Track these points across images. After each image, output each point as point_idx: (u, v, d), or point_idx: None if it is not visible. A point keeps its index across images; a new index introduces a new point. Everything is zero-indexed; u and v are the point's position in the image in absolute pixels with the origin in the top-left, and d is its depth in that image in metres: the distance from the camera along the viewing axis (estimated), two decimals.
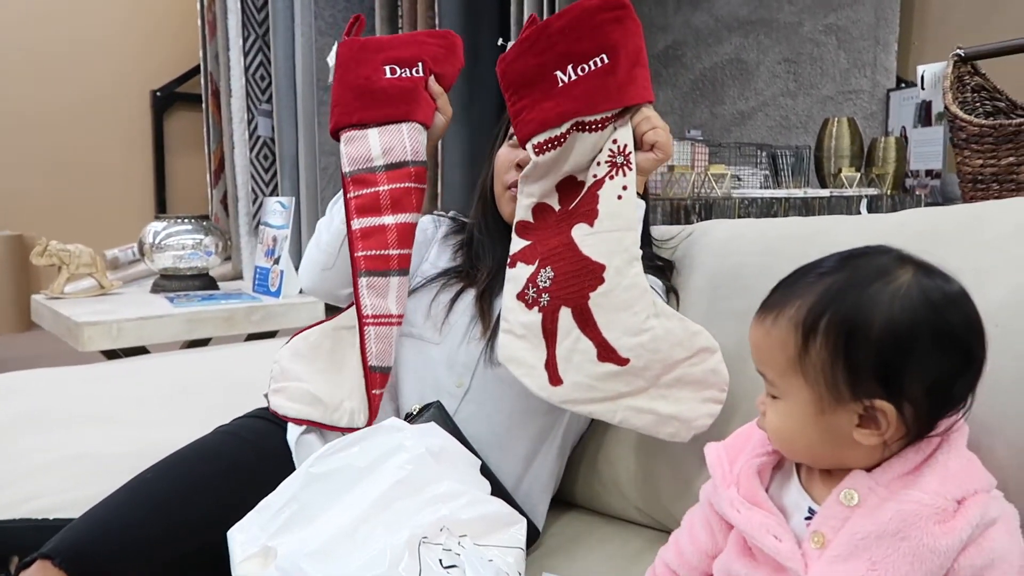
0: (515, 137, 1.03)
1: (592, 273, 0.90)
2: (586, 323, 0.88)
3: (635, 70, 0.95)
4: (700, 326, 0.90)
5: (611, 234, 0.91)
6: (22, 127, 4.59)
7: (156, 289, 2.34)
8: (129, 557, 0.80)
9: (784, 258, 0.97)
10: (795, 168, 2.96)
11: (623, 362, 0.87)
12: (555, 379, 0.89)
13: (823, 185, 2.86)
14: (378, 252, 1.00)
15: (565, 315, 0.90)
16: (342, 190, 1.05)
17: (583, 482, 1.07)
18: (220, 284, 2.51)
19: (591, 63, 0.93)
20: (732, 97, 3.86)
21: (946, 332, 0.59)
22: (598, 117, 0.93)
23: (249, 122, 4.17)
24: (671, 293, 1.05)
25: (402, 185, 1.03)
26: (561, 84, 0.94)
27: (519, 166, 1.02)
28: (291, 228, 2.31)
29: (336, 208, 1.11)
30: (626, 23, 0.94)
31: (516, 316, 0.93)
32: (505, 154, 1.08)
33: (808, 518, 0.65)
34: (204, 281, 2.37)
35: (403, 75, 1.07)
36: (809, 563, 0.61)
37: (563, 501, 1.08)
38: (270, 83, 4.07)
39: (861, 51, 3.48)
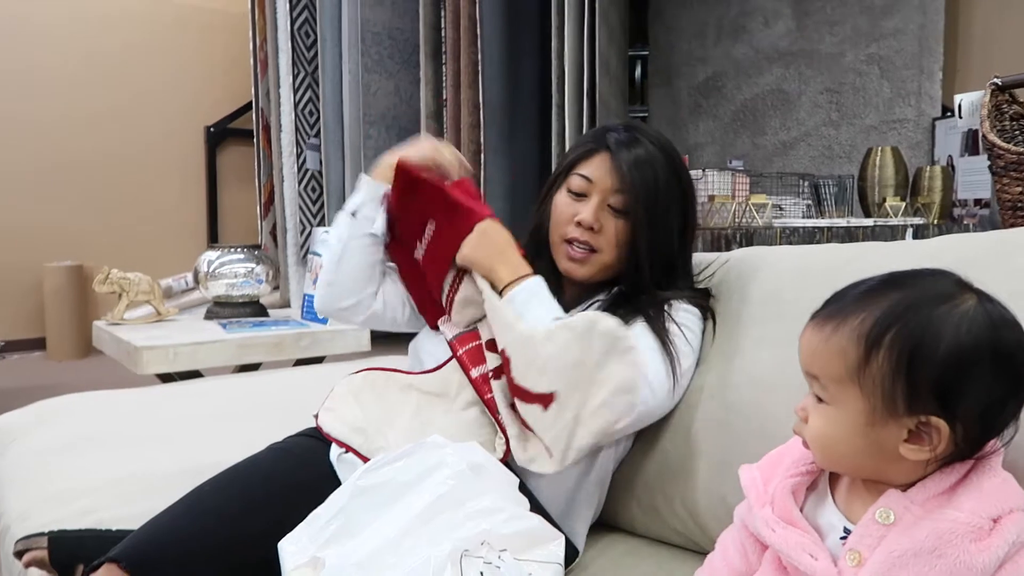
0: (574, 185, 1.07)
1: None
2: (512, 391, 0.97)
3: (453, 216, 1.07)
4: (585, 318, 0.94)
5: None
6: (84, 163, 4.80)
7: (209, 316, 2.43)
8: (188, 563, 0.84)
9: (821, 286, 0.98)
10: (838, 198, 2.95)
11: (550, 397, 0.92)
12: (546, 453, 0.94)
13: (867, 215, 2.84)
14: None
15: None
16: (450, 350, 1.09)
17: (622, 506, 1.08)
18: (270, 312, 2.59)
19: (427, 234, 1.10)
20: (774, 128, 3.87)
21: (1005, 357, 0.60)
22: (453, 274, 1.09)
23: (298, 156, 4.30)
24: (708, 319, 1.07)
25: None
26: (420, 259, 1.12)
27: (579, 224, 1.04)
28: None
29: (333, 229, 1.16)
30: (419, 190, 1.09)
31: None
32: (565, 205, 1.07)
33: (843, 537, 0.65)
34: (255, 308, 2.45)
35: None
36: None
37: (603, 524, 1.09)
38: (318, 118, 4.20)
39: (905, 80, 3.46)
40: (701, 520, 0.98)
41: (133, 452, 1.39)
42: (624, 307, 1.04)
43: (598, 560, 1.01)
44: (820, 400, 0.66)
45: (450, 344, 1.07)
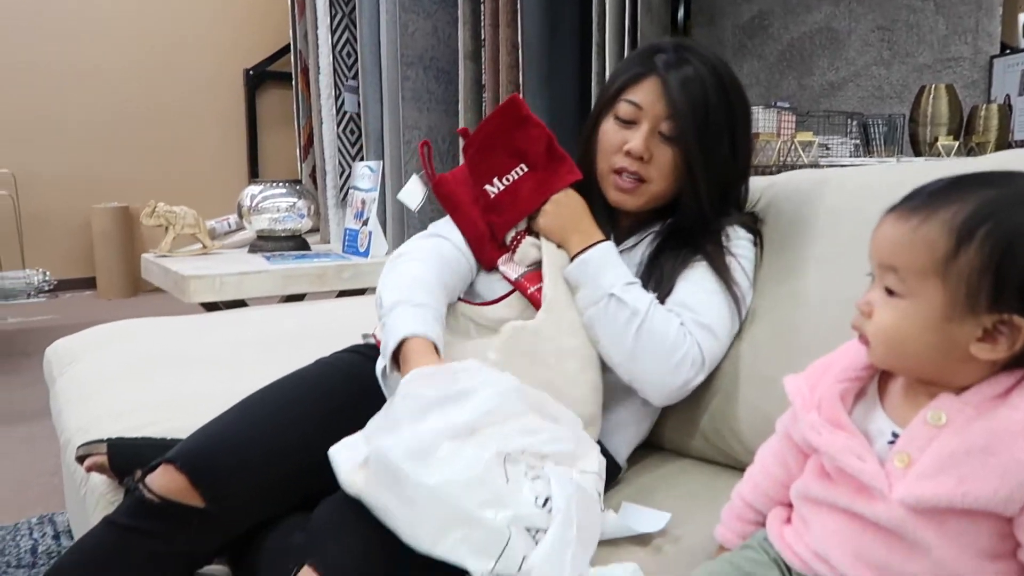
0: (622, 112, 1.03)
1: None
2: None
3: (551, 164, 1.05)
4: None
5: None
6: (128, 109, 4.86)
7: (253, 249, 2.47)
8: (239, 465, 0.87)
9: (873, 202, 0.96)
10: (888, 137, 2.86)
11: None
12: None
13: (918, 155, 2.76)
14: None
15: None
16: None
17: (667, 426, 1.09)
18: (312, 247, 2.62)
19: (513, 173, 1.06)
20: (822, 68, 3.74)
21: None
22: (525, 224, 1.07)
23: (336, 98, 4.29)
24: (757, 243, 1.06)
25: None
26: (492, 196, 1.06)
27: (628, 153, 1.02)
28: (378, 192, 2.39)
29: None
30: (529, 129, 1.05)
31: None
32: (613, 133, 1.04)
33: (891, 442, 0.65)
34: (297, 242, 2.49)
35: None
36: (893, 482, 0.62)
37: (647, 443, 1.10)
38: (356, 60, 4.17)
39: (961, 16, 3.31)
40: (744, 439, 0.99)
41: (183, 374, 1.43)
42: (682, 241, 1.03)
43: (640, 476, 1.03)
44: (891, 294, 0.64)
45: (516, 283, 1.05)
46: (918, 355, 0.63)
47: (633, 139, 1.01)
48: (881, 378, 0.69)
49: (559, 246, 1.04)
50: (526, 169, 1.06)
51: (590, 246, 1.01)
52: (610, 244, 1.02)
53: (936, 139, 2.66)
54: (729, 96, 1.03)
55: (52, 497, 1.90)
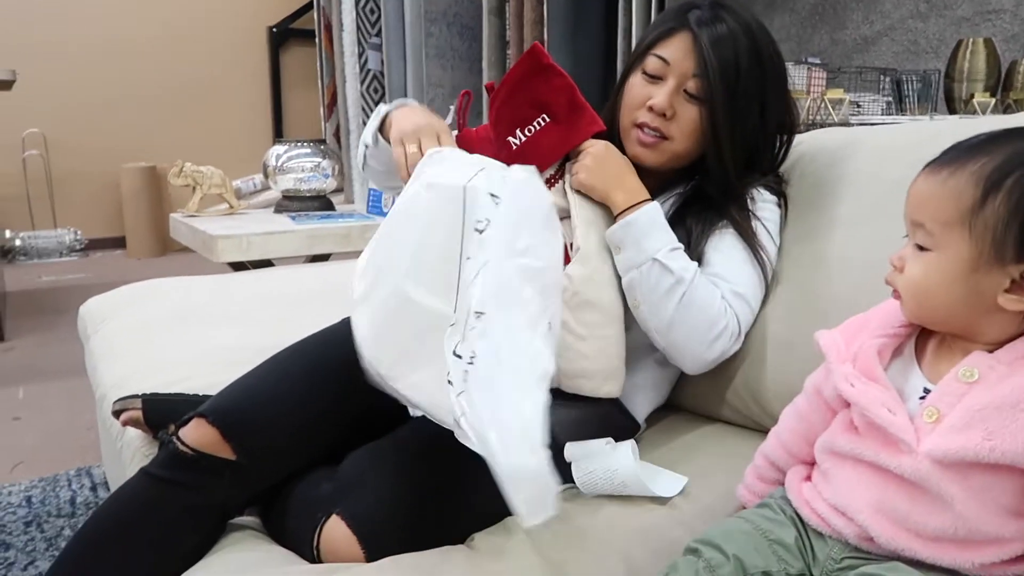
0: (650, 67, 1.02)
1: None
2: None
3: (572, 115, 1.01)
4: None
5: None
6: (151, 68, 4.87)
7: (279, 209, 2.49)
8: (268, 420, 0.90)
9: (900, 163, 0.96)
10: (922, 94, 2.78)
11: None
12: None
13: (952, 112, 2.69)
14: None
15: None
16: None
17: (690, 388, 1.10)
18: (336, 207, 2.63)
19: (535, 124, 1.02)
20: (855, 21, 3.65)
21: None
22: (552, 171, 1.04)
23: (360, 56, 4.26)
24: (782, 204, 1.05)
25: None
26: (514, 148, 1.02)
27: (651, 109, 1.00)
28: None
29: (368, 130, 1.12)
30: (551, 78, 1.01)
31: None
32: (639, 87, 1.03)
33: (923, 398, 0.65)
34: (322, 202, 2.50)
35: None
36: (921, 436, 0.62)
37: (668, 405, 1.11)
38: (379, 17, 4.13)
39: None
40: (765, 402, 0.99)
41: (213, 331, 1.46)
42: (707, 203, 1.01)
43: (661, 437, 1.04)
44: (921, 249, 0.64)
45: None
46: (946, 307, 0.63)
47: (658, 95, 1.00)
48: (919, 338, 0.69)
49: (598, 202, 1.01)
50: (548, 120, 1.02)
51: (635, 205, 0.98)
52: (656, 205, 0.99)
53: (972, 96, 2.59)
54: (762, 59, 1.00)
55: (89, 451, 1.96)
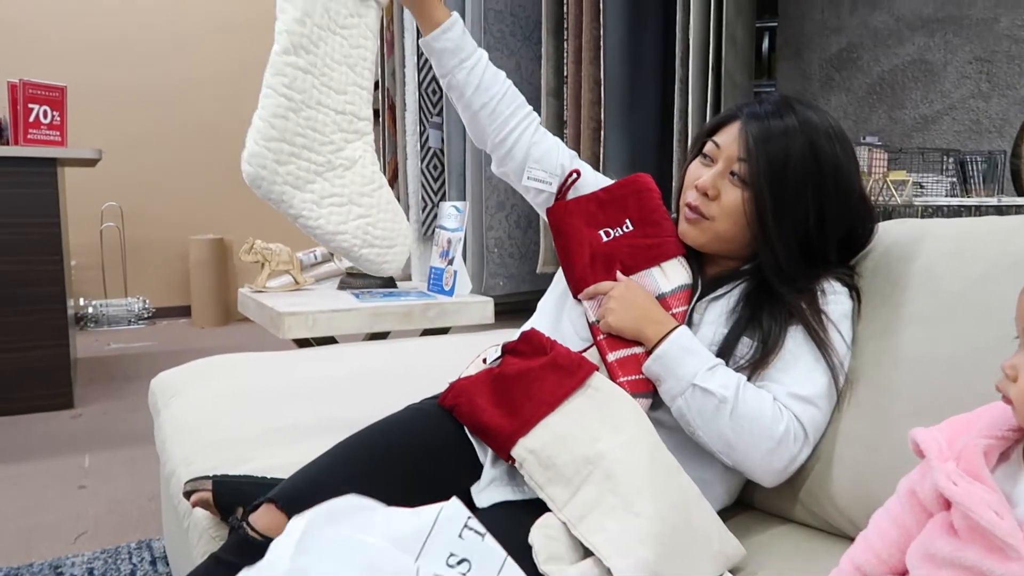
0: (707, 150, 1.07)
1: None
2: None
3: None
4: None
5: None
6: (223, 147, 5.11)
7: (343, 286, 2.55)
8: None
9: (978, 259, 0.94)
10: (987, 175, 2.74)
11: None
12: None
13: (1020, 193, 2.63)
14: (637, 376, 1.03)
15: None
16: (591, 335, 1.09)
17: (761, 487, 1.06)
18: (398, 284, 2.69)
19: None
20: (914, 100, 3.64)
21: None
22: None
23: (421, 134, 4.40)
24: (854, 296, 1.04)
25: None
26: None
27: (696, 188, 1.05)
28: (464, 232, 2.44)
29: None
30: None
31: None
32: (694, 169, 1.09)
33: None
34: (385, 280, 2.56)
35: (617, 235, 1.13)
36: None
37: (739, 503, 1.08)
38: (441, 97, 4.28)
39: None
40: (841, 503, 0.96)
41: (279, 408, 1.49)
42: (778, 303, 1.00)
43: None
44: None
45: (592, 327, 1.07)
46: None
47: (705, 175, 1.04)
48: None
49: (635, 342, 1.03)
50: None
51: (664, 337, 0.99)
52: (684, 329, 1.00)
53: None
54: (820, 157, 1.01)
55: (150, 522, 1.99)
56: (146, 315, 4.94)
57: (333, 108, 1.20)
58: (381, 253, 1.26)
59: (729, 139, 1.04)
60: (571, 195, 1.17)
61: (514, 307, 4.10)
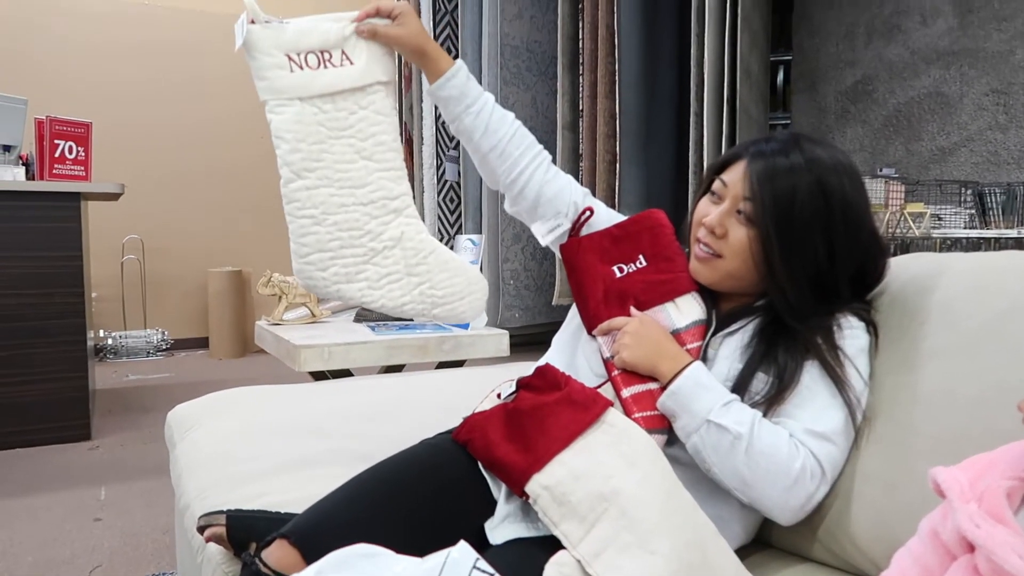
0: (715, 188, 1.07)
1: None
2: None
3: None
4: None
5: None
6: (238, 178, 5.19)
7: (359, 319, 2.56)
8: (348, 543, 0.90)
9: (998, 294, 0.93)
10: (1006, 207, 2.72)
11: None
12: None
13: None
14: (652, 412, 1.03)
15: None
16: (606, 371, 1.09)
17: (779, 525, 1.04)
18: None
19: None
20: (931, 133, 3.64)
21: None
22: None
23: (437, 167, 4.44)
24: (871, 331, 1.03)
25: None
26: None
27: (704, 226, 1.06)
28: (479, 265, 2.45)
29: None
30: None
31: None
32: (702, 206, 1.09)
33: None
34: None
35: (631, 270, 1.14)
36: None
37: (757, 541, 1.06)
38: None
39: None
40: (861, 542, 0.94)
41: (294, 442, 1.49)
42: (794, 339, 1.00)
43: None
44: None
45: (606, 363, 1.07)
46: None
47: (713, 213, 1.05)
48: None
49: (650, 378, 1.02)
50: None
51: (678, 373, 0.99)
52: (698, 365, 1.00)
53: None
54: (829, 195, 1.00)
55: (164, 555, 1.98)
56: (165, 347, 4.98)
57: (359, 203, 1.20)
58: (452, 308, 1.27)
59: (735, 177, 1.05)
60: (584, 232, 1.18)
61: (530, 339, 4.10)
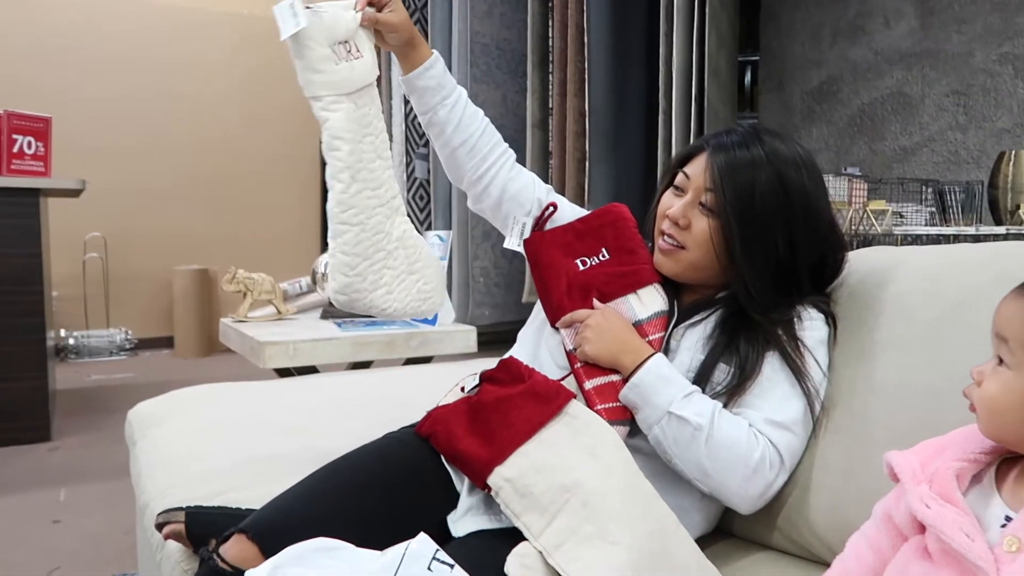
0: (676, 182, 1.08)
1: None
2: None
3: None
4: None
5: None
6: (208, 175, 5.13)
7: (325, 316, 2.54)
8: (308, 537, 0.88)
9: (953, 285, 0.95)
10: (966, 205, 2.78)
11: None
12: None
13: (998, 223, 2.67)
14: (614, 404, 1.03)
15: None
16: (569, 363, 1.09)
17: (740, 514, 1.06)
18: None
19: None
20: (894, 133, 3.70)
21: None
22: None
23: (407, 165, 4.42)
24: (831, 323, 1.04)
25: None
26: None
27: (668, 217, 1.07)
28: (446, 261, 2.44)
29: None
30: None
31: None
32: (665, 199, 1.10)
33: (1004, 525, 0.63)
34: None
35: (593, 263, 1.14)
36: (1001, 566, 0.59)
37: (718, 530, 1.07)
38: None
39: None
40: (818, 529, 0.95)
41: (257, 439, 1.47)
42: (756, 330, 1.01)
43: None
44: (1001, 363, 0.64)
45: (569, 355, 1.07)
46: (1017, 426, 0.63)
47: (676, 205, 1.06)
48: (1000, 466, 0.68)
49: (612, 370, 1.03)
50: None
51: (640, 365, 0.99)
52: (659, 357, 1.00)
53: (1018, 206, 2.58)
54: (788, 188, 1.02)
55: (125, 556, 1.95)
56: (128, 346, 4.89)
57: (380, 204, 1.16)
58: (433, 302, 1.24)
59: (697, 170, 1.05)
60: (548, 227, 1.18)
61: (500, 336, 4.09)
